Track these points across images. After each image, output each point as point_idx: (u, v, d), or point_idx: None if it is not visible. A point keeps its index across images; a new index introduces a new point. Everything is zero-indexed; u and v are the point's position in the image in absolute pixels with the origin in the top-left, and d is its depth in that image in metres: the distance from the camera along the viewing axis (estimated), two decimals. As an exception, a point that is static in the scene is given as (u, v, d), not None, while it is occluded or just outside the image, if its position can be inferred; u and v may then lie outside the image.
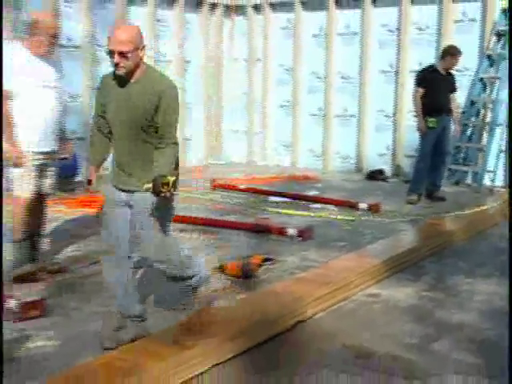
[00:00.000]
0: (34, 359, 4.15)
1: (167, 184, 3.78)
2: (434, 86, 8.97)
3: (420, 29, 11.35)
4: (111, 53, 3.90)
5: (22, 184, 5.46)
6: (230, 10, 13.45)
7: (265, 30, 12.98)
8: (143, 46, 4.05)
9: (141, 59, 4.05)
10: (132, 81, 4.07)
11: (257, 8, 13.14)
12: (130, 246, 4.45)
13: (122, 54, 3.86)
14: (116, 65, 3.92)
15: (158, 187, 3.78)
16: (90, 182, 4.58)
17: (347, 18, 12.02)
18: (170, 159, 4.16)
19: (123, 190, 4.30)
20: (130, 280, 4.55)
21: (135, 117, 4.08)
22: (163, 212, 4.28)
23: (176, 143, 4.24)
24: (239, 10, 13.42)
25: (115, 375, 3.63)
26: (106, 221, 4.45)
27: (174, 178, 3.92)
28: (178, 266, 4.56)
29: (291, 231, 7.08)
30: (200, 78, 13.07)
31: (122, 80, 4.07)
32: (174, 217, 4.61)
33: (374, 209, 8.54)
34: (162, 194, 3.83)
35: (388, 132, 11.72)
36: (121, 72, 3.95)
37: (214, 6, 13.13)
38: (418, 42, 11.34)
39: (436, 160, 9.24)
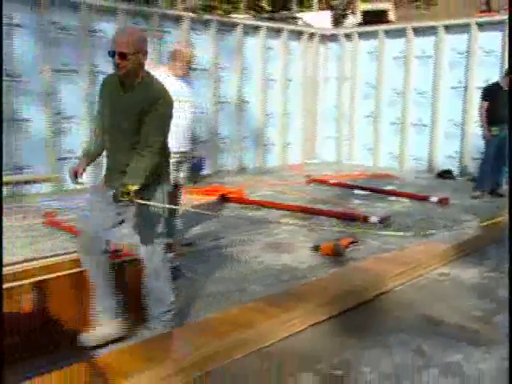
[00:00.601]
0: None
1: (127, 193, 3.33)
2: (497, 100, 8.79)
3: (486, 52, 11.07)
4: (113, 54, 3.40)
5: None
6: (324, 38, 13.42)
7: (353, 54, 12.92)
8: (145, 52, 3.54)
9: (141, 64, 3.53)
10: (128, 86, 3.54)
11: (347, 36, 13.10)
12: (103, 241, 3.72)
13: (122, 55, 3.37)
14: (117, 65, 3.41)
15: (117, 195, 3.36)
16: (75, 174, 3.75)
17: (423, 43, 11.84)
18: (144, 167, 3.50)
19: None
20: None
21: (125, 122, 3.55)
22: (146, 219, 3.75)
23: (160, 153, 3.62)
24: (333, 38, 13.39)
25: (233, 329, 3.72)
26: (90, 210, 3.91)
27: (134, 187, 3.38)
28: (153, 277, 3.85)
29: (374, 218, 7.02)
30: (299, 93, 13.12)
31: (119, 84, 3.56)
32: (159, 228, 3.82)
33: (443, 202, 8.38)
34: (121, 203, 3.42)
35: (456, 138, 11.46)
36: (121, 73, 3.45)
37: (312, 35, 13.20)
38: (484, 63, 11.03)
39: (498, 162, 9.04)
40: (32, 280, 3.53)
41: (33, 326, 3.46)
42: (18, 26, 8.69)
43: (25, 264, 3.93)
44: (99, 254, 3.65)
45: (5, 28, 8.41)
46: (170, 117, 3.71)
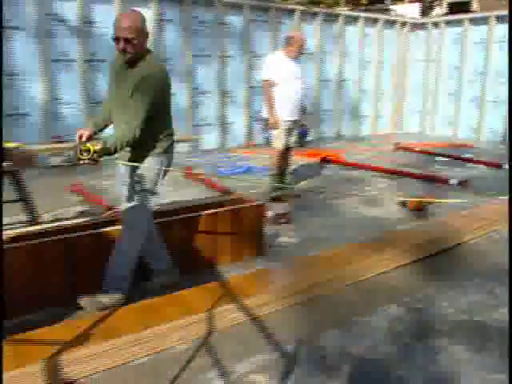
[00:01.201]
0: (282, 247, 4.40)
1: (87, 151, 2.85)
2: None
3: None
4: (117, 39, 2.98)
5: (278, 140, 5.69)
6: (414, 26, 12.83)
7: (439, 40, 12.29)
8: (147, 33, 3.10)
9: (143, 45, 3.08)
10: (132, 63, 3.08)
11: (435, 24, 12.46)
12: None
13: (127, 41, 2.96)
14: (123, 50, 2.99)
15: (76, 153, 2.88)
16: (80, 137, 3.19)
17: (503, 29, 11.04)
18: (118, 136, 3.02)
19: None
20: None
21: (123, 98, 3.11)
22: (138, 186, 3.30)
23: (132, 132, 3.00)
24: (422, 26, 12.77)
25: (333, 265, 3.74)
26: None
27: (96, 147, 2.87)
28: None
29: (453, 181, 6.75)
30: (390, 73, 12.69)
31: (124, 62, 3.10)
32: (147, 199, 3.37)
33: (515, 169, 7.92)
34: (81, 162, 2.89)
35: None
36: (127, 57, 3.03)
37: (403, 24, 12.68)
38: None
39: None
40: (177, 217, 3.70)
41: (177, 250, 3.64)
42: (168, 20, 9.00)
43: (173, 205, 4.13)
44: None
45: (157, 23, 8.70)
46: (156, 95, 3.09)
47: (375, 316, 3.22)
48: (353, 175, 7.45)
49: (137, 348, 2.69)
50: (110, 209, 4.93)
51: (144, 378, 2.53)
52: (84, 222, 3.78)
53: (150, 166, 3.25)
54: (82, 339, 2.63)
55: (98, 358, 2.57)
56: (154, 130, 3.19)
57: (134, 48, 3.00)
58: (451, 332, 3.04)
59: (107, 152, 2.96)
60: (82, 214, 5.11)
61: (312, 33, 10.86)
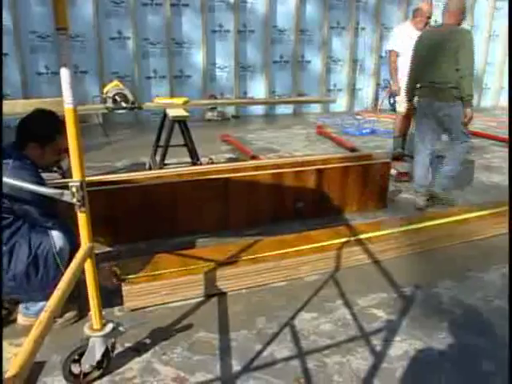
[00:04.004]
0: (404, 203, 4.24)
1: None
2: None
3: None
4: None
5: (401, 105, 5.40)
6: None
7: None
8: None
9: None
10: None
11: None
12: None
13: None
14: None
15: None
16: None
17: None
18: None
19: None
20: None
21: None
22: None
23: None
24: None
25: (451, 224, 3.54)
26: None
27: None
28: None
29: None
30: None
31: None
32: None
33: None
34: None
35: None
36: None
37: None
38: None
39: None
40: (314, 167, 3.70)
41: (311, 196, 3.67)
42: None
43: (307, 157, 4.13)
44: None
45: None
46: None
47: (488, 273, 3.02)
48: (475, 143, 6.87)
49: (275, 273, 2.79)
50: (253, 157, 5.06)
51: (280, 298, 2.64)
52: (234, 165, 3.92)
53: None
54: (232, 261, 2.78)
55: (243, 278, 2.72)
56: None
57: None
58: None
59: None
60: (230, 159, 5.31)
61: (441, 6, 9.95)
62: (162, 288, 2.54)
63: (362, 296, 2.66)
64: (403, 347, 2.25)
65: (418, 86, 4.04)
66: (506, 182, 4.89)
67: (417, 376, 2.08)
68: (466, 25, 10.04)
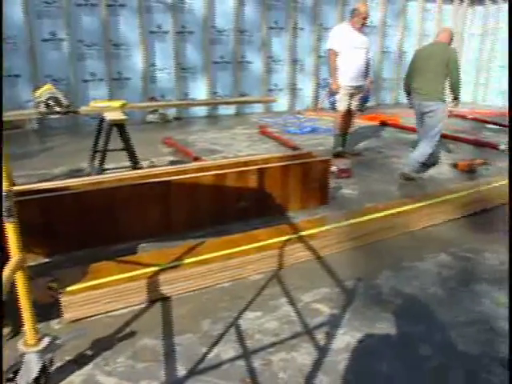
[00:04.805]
0: (344, 198, 4.35)
1: None
2: None
3: None
4: None
5: (340, 103, 5.54)
6: (473, 2, 11.89)
7: (496, 15, 11.35)
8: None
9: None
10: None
11: (493, 0, 11.48)
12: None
13: None
14: None
15: None
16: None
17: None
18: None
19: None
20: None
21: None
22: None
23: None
24: (480, 1, 11.81)
25: (388, 215, 3.66)
26: None
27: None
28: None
29: (502, 147, 6.38)
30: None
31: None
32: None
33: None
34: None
35: None
36: None
37: (461, 0, 11.77)
38: None
39: None
40: (255, 167, 3.72)
41: (254, 196, 3.68)
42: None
43: (249, 157, 4.15)
44: None
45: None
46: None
47: (425, 262, 3.16)
48: (409, 138, 7.16)
49: (220, 275, 2.78)
50: (196, 159, 5.03)
51: (225, 299, 2.63)
52: (176, 168, 3.87)
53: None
54: (175, 264, 2.75)
55: (187, 281, 2.69)
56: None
57: None
58: (494, 280, 2.94)
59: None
60: (172, 162, 5.25)
61: (376, 7, 10.34)
62: (103, 297, 2.47)
63: (306, 292, 2.71)
64: (346, 339, 2.30)
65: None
66: (441, 176, 5.15)
67: (359, 366, 2.14)
68: (398, 27, 10.52)
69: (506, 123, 8.46)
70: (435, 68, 4.69)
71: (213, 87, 8.78)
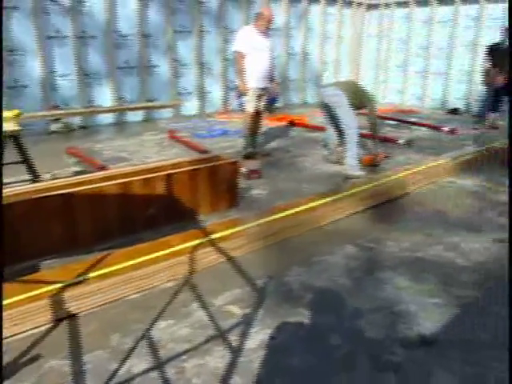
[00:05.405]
0: (254, 199, 4.40)
1: None
2: (498, 57, 8.10)
3: (492, 18, 10.24)
4: None
5: (249, 104, 5.61)
6: (369, 7, 12.63)
7: (390, 18, 12.12)
8: None
9: None
10: None
11: (386, 5, 12.25)
12: None
13: None
14: None
15: None
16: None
17: (443, 11, 11.01)
18: None
19: None
20: None
21: None
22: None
23: None
24: (375, 6, 12.57)
25: (298, 212, 3.76)
26: None
27: None
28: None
29: (400, 141, 6.82)
30: (348, 47, 12.54)
31: None
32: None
33: (452, 131, 7.97)
34: None
35: (465, 84, 10.76)
36: None
37: (359, 4, 12.44)
38: (489, 27, 10.24)
39: (494, 103, 8.39)
40: (163, 173, 3.66)
41: (163, 203, 3.62)
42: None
43: (156, 163, 4.08)
44: None
45: (141, 2, 8.38)
46: None
47: (333, 255, 3.29)
48: (315, 136, 7.42)
49: (129, 286, 2.70)
50: (102, 168, 4.85)
51: (135, 310, 2.56)
52: (80, 178, 3.71)
53: None
54: (80, 280, 2.63)
55: (95, 295, 2.58)
56: None
57: None
58: (395, 266, 3.13)
59: None
60: (77, 173, 5.02)
61: (280, 11, 10.61)
62: (7, 319, 2.29)
63: (218, 295, 2.71)
64: (259, 338, 2.33)
65: None
66: (345, 170, 5.37)
67: (273, 363, 2.18)
68: (301, 29, 10.90)
69: (404, 119, 9.08)
70: None
71: (119, 93, 8.51)
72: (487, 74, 5.64)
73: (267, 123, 7.72)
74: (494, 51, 8.60)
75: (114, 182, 3.43)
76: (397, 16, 12.08)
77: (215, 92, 9.93)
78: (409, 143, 6.75)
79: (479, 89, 9.58)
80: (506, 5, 9.90)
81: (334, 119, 5.41)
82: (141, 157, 5.71)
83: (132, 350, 2.24)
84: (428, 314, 2.57)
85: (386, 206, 4.32)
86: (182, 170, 3.74)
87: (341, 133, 5.44)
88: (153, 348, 2.25)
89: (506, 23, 9.71)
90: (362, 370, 2.15)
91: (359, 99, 5.26)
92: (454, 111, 10.68)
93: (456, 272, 3.08)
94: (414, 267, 3.13)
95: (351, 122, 5.16)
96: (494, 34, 9.70)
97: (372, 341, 2.35)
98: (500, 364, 2.17)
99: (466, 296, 2.78)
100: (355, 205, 4.10)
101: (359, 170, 5.18)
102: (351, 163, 5.19)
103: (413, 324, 2.48)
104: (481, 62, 9.05)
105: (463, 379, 2.09)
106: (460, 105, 10.94)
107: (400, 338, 2.36)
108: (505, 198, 4.62)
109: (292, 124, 8.28)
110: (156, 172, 3.65)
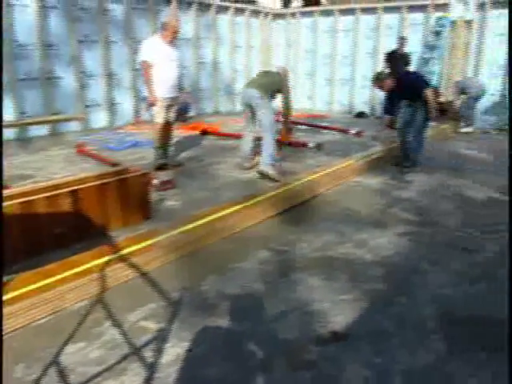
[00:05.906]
0: (168, 210, 4.33)
1: None
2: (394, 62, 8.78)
3: (389, 28, 11.01)
4: None
5: (158, 115, 5.53)
6: (276, 16, 13.00)
7: (296, 28, 12.57)
8: None
9: None
10: None
11: (292, 14, 12.71)
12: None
13: None
14: None
15: None
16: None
17: (346, 20, 11.64)
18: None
19: None
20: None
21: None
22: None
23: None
24: (281, 16, 12.98)
25: (211, 221, 3.76)
26: None
27: None
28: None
29: (311, 145, 7.06)
30: (258, 56, 12.79)
31: None
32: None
33: (359, 134, 8.40)
34: None
35: (368, 89, 11.32)
36: None
37: (266, 14, 12.80)
38: (387, 36, 10.99)
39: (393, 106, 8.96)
40: (68, 189, 3.50)
41: (71, 220, 3.46)
42: (51, 7, 8.23)
43: (61, 180, 3.89)
44: None
45: (40, 10, 7.98)
46: None
47: (247, 261, 3.32)
48: (228, 144, 7.47)
49: (35, 311, 2.54)
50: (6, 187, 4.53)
51: (43, 337, 2.42)
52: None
53: None
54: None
55: (-3, 324, 2.41)
56: None
57: None
58: (308, 267, 3.23)
59: None
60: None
61: (188, 20, 10.59)
62: None
63: (131, 312, 2.63)
64: (175, 352, 2.30)
65: None
66: (255, 178, 5.43)
67: (190, 375, 2.15)
68: (211, 38, 10.96)
69: (314, 123, 9.42)
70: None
71: (21, 107, 8.03)
72: (377, 78, 6.06)
73: (180, 132, 7.66)
74: (391, 57, 9.26)
75: (13, 201, 3.22)
76: (303, 25, 12.56)
77: (125, 103, 9.68)
78: (318, 146, 7.01)
79: (381, 93, 10.21)
80: (399, 15, 10.68)
81: (254, 119, 5.59)
82: (47, 173, 5.42)
83: (38, 379, 2.11)
84: (339, 311, 2.68)
85: (298, 209, 4.45)
86: (89, 184, 3.60)
87: (258, 138, 5.54)
88: (62, 375, 2.14)
89: (401, 33, 10.49)
90: (278, 371, 2.19)
91: (276, 86, 5.81)
92: (361, 115, 11.29)
93: (365, 267, 3.24)
94: (326, 266, 3.25)
95: (270, 124, 5.37)
96: (391, 42, 10.43)
97: (287, 342, 2.40)
98: (405, 350, 2.31)
99: (374, 289, 2.93)
100: (268, 210, 4.18)
101: (273, 171, 5.28)
102: (267, 162, 5.31)
103: (326, 322, 2.57)
104: (381, 67, 9.65)
105: (373, 369, 2.20)
106: (366, 109, 11.59)
107: (314, 336, 2.44)
108: (406, 194, 4.95)
109: (205, 133, 8.29)
110: (60, 189, 3.48)
